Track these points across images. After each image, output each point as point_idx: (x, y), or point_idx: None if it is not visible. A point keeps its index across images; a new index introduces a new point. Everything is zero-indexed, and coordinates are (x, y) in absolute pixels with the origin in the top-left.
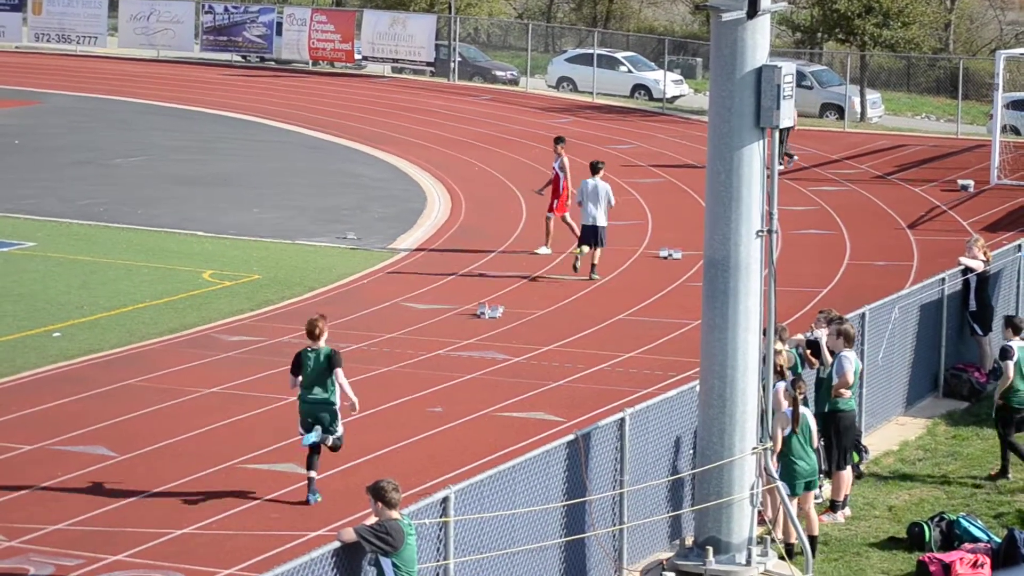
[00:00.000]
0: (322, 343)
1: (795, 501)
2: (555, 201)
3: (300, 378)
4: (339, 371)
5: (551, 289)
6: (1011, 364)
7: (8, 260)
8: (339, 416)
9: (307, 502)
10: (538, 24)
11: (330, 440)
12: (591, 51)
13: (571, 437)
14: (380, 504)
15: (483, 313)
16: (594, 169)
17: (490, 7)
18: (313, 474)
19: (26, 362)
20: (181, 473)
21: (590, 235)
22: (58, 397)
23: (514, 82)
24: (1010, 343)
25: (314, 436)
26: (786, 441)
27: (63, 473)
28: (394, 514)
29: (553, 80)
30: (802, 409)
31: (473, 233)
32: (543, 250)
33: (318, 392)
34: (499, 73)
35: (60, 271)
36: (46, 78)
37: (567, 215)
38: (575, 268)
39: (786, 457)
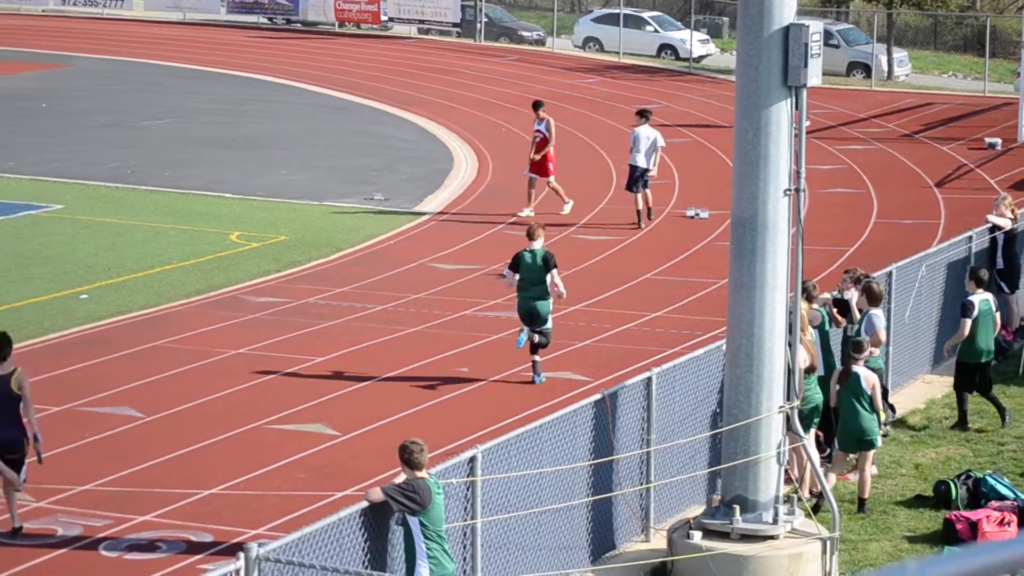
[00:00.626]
0: (538, 244)
1: (848, 459)
2: (546, 164)
3: (518, 276)
4: (554, 271)
5: (577, 248)
6: (968, 322)
7: (36, 223)
8: (550, 313)
9: (532, 382)
10: None
11: (536, 338)
12: (617, 11)
13: (598, 396)
14: (406, 464)
15: (509, 274)
16: (643, 116)
17: None
18: (536, 358)
19: (54, 324)
20: (208, 434)
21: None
22: (86, 359)
23: (540, 42)
24: (972, 297)
25: (524, 338)
26: (840, 399)
27: (91, 434)
28: (421, 474)
29: (579, 40)
30: (856, 368)
31: (500, 193)
32: (526, 212)
33: (533, 290)
34: (525, 34)
35: (88, 233)
36: (73, 41)
37: (552, 178)
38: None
39: (841, 415)
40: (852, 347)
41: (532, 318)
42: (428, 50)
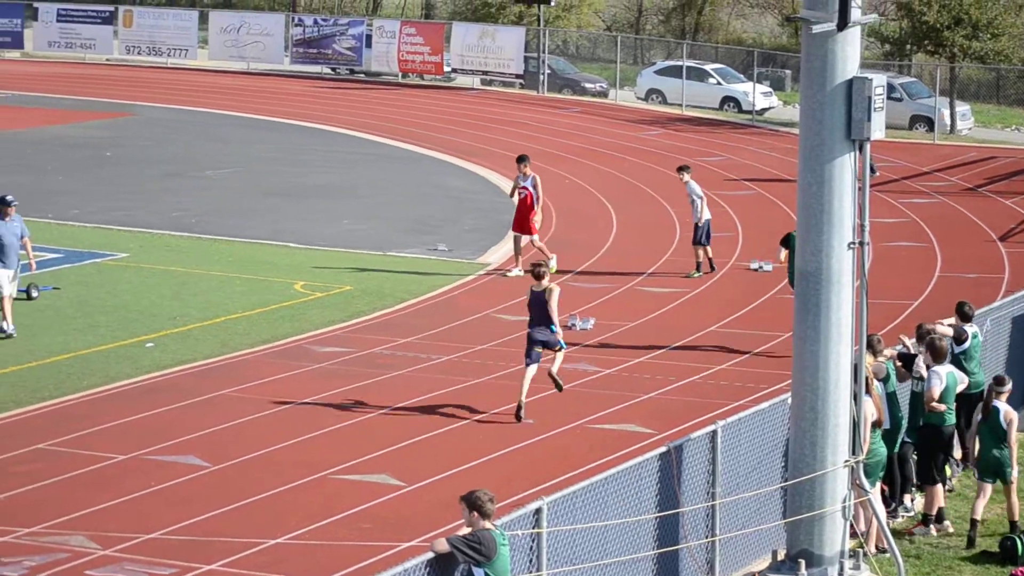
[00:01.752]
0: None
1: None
2: (530, 222)
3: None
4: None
5: (641, 300)
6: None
7: (101, 271)
8: None
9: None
10: (627, 36)
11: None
12: (680, 63)
13: (663, 449)
14: (475, 514)
15: (574, 324)
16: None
17: (579, 19)
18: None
19: (119, 372)
20: (273, 483)
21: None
22: (151, 407)
23: (603, 94)
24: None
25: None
26: (980, 432)
27: (156, 483)
28: (487, 524)
29: (642, 92)
30: (997, 403)
31: (564, 245)
32: (515, 272)
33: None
34: (588, 85)
35: (153, 282)
36: (137, 90)
37: (536, 237)
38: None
39: (980, 446)
40: (994, 381)
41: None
42: (491, 101)
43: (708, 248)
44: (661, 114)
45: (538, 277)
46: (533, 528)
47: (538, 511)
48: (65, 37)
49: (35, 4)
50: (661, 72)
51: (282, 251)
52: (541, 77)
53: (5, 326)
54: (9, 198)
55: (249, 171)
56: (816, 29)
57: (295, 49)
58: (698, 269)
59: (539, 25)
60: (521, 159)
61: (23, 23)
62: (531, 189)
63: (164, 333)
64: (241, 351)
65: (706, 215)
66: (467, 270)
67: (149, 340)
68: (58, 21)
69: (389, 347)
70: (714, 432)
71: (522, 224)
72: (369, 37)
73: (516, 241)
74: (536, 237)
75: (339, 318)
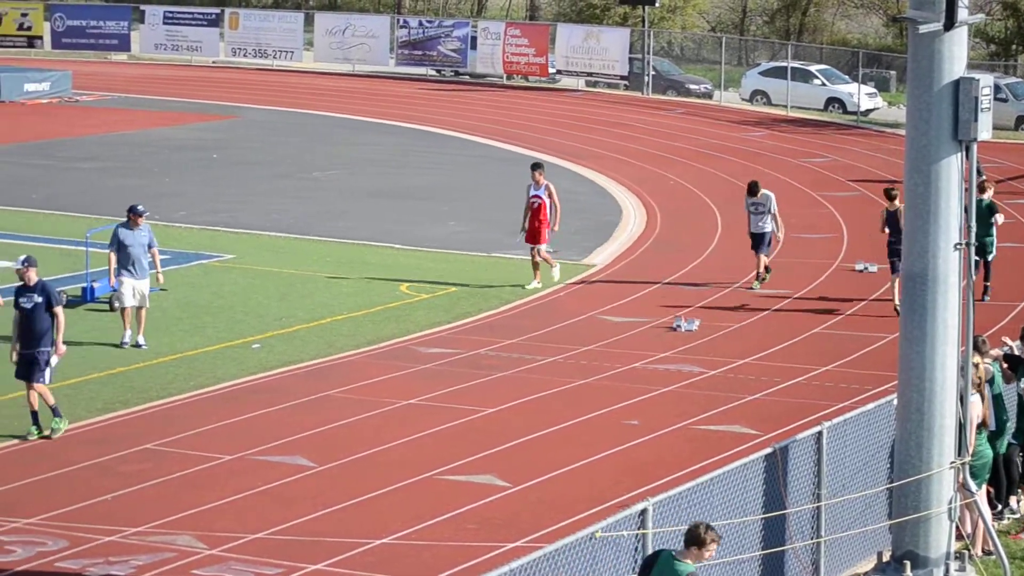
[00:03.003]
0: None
1: None
2: (541, 231)
3: None
4: None
5: (747, 302)
6: None
7: (208, 272)
8: None
9: None
10: (731, 37)
11: None
12: (785, 64)
13: (768, 450)
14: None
15: (679, 326)
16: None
17: (683, 20)
18: None
19: (226, 373)
20: (379, 484)
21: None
22: (257, 408)
23: (707, 95)
24: None
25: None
26: None
27: (262, 483)
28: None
29: (747, 93)
30: None
31: (669, 246)
32: (534, 284)
33: None
34: (692, 87)
35: (259, 283)
36: (243, 93)
37: (544, 246)
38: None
39: None
40: None
41: None
42: (596, 103)
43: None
44: (765, 115)
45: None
46: (639, 529)
47: (643, 512)
48: (171, 39)
49: (142, 7)
50: (766, 73)
51: (387, 252)
52: (646, 79)
53: (127, 337)
54: (140, 208)
55: (355, 172)
56: (923, 29)
57: (400, 51)
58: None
59: (644, 26)
60: (535, 167)
61: (130, 25)
62: (544, 198)
63: (270, 334)
64: (347, 352)
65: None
66: (572, 272)
67: (255, 341)
68: (164, 24)
69: (494, 348)
70: (819, 433)
71: (534, 235)
72: (474, 39)
73: (532, 255)
74: (544, 246)
75: (444, 319)
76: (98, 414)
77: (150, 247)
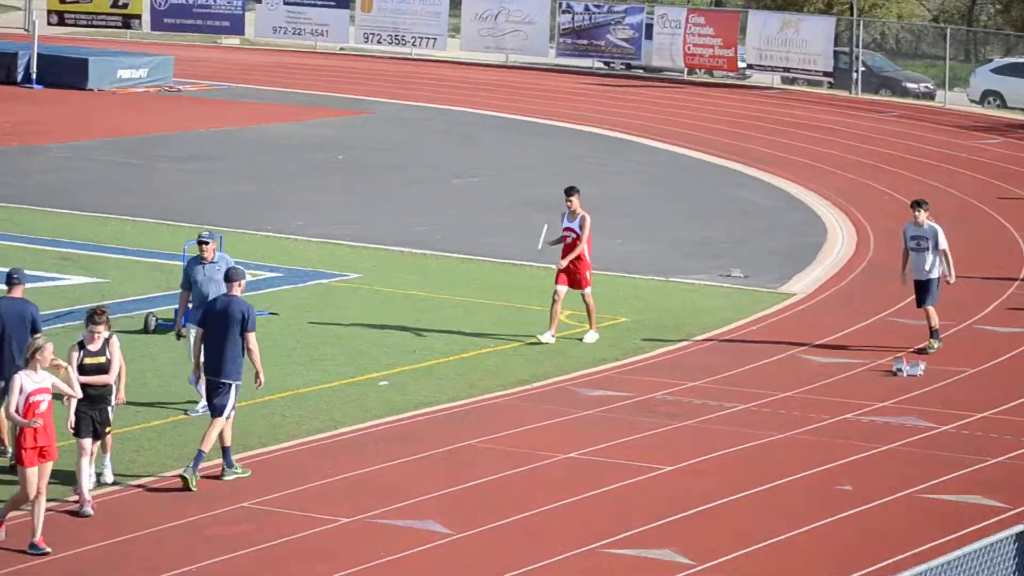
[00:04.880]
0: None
1: None
2: (582, 272)
3: None
4: None
5: (984, 342)
6: None
7: (328, 294)
8: None
9: None
10: (957, 29)
11: None
12: (1022, 60)
13: (1019, 528)
14: None
15: (900, 370)
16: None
17: (899, 8)
18: None
19: (345, 415)
20: (530, 557)
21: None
22: (382, 460)
23: (929, 96)
24: None
25: None
26: None
27: (385, 553)
28: None
29: (976, 94)
30: None
31: (884, 273)
32: (547, 337)
33: None
34: (910, 85)
35: (388, 308)
36: (376, 85)
37: (589, 289)
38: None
39: None
40: None
41: None
42: (793, 102)
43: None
44: (999, 119)
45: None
46: None
47: None
48: (293, 22)
49: None
50: (999, 71)
51: (543, 275)
52: (854, 75)
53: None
54: (205, 235)
55: (502, 180)
56: None
57: (562, 40)
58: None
59: (852, 15)
60: (569, 191)
61: (244, 5)
62: (577, 231)
63: (400, 369)
64: (492, 393)
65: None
66: (767, 301)
67: (383, 378)
68: (285, 4)
69: (672, 392)
70: None
71: (571, 276)
72: (649, 27)
73: (553, 301)
74: (589, 290)
75: (612, 355)
76: (185, 462)
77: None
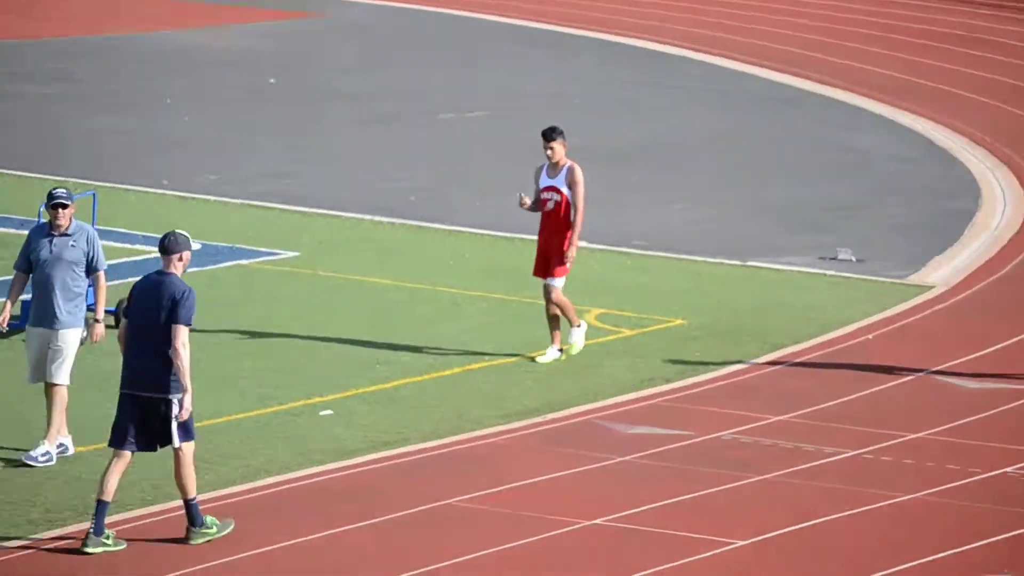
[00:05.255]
0: None
1: None
2: (560, 253)
3: None
4: None
5: None
6: None
7: (250, 279)
8: None
9: None
10: None
11: None
12: None
13: None
14: None
15: None
16: None
17: None
18: None
19: (270, 461)
20: None
21: None
22: (324, 525)
23: None
24: None
25: None
26: None
27: None
28: None
29: None
30: None
31: None
32: (549, 353)
33: None
34: None
35: (339, 301)
36: None
37: (561, 281)
38: None
39: None
40: None
41: None
42: (937, 4)
43: None
44: None
45: None
46: None
47: None
48: None
49: None
50: None
51: None
52: None
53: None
54: (61, 192)
55: (509, 115)
56: None
57: None
58: None
59: None
60: (549, 134)
61: None
62: (564, 191)
63: (352, 393)
64: (486, 429)
65: None
66: (891, 297)
67: (325, 405)
68: None
69: (747, 429)
70: None
71: (546, 259)
72: None
73: (548, 297)
74: (560, 281)
75: (660, 374)
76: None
77: (90, 268)
